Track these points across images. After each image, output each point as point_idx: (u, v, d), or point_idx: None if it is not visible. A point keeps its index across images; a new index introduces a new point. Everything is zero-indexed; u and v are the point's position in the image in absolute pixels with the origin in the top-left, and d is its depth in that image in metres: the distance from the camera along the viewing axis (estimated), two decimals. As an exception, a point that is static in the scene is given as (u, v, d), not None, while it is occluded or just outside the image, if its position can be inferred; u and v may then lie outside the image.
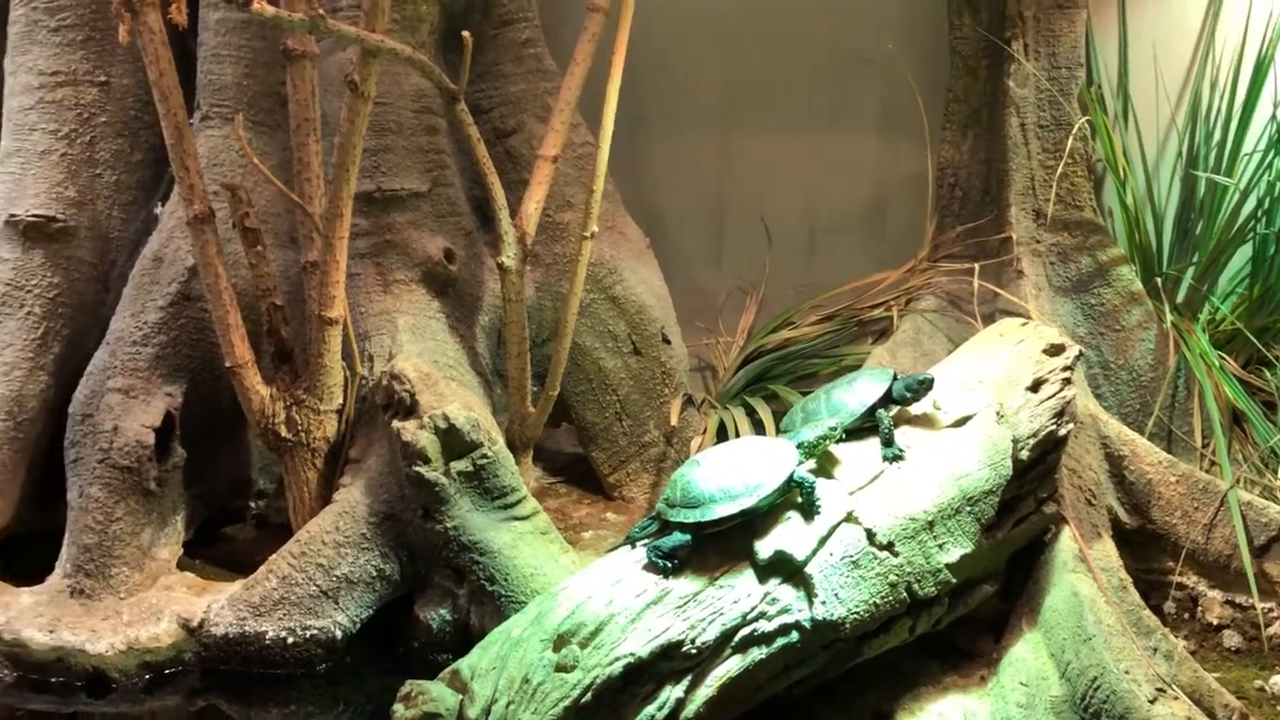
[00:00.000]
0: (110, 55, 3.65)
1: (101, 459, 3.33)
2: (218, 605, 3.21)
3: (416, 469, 3.15)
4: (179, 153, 3.19)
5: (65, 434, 3.43)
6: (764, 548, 2.63)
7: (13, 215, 3.57)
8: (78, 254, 3.63)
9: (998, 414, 2.87)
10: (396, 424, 3.21)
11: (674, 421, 3.77)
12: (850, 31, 4.21)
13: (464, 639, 3.16)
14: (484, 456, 3.19)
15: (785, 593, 2.61)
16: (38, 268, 3.57)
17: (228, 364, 3.30)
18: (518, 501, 3.22)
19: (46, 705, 3.12)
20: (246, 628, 3.16)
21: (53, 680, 3.14)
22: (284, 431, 3.34)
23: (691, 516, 2.64)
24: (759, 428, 3.72)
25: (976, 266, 3.78)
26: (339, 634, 3.19)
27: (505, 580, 3.11)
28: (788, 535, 2.64)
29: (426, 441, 3.15)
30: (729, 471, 2.67)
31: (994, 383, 2.98)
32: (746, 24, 4.27)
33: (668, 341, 3.85)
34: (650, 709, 2.53)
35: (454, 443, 3.17)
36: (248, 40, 3.59)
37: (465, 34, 3.12)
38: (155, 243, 3.56)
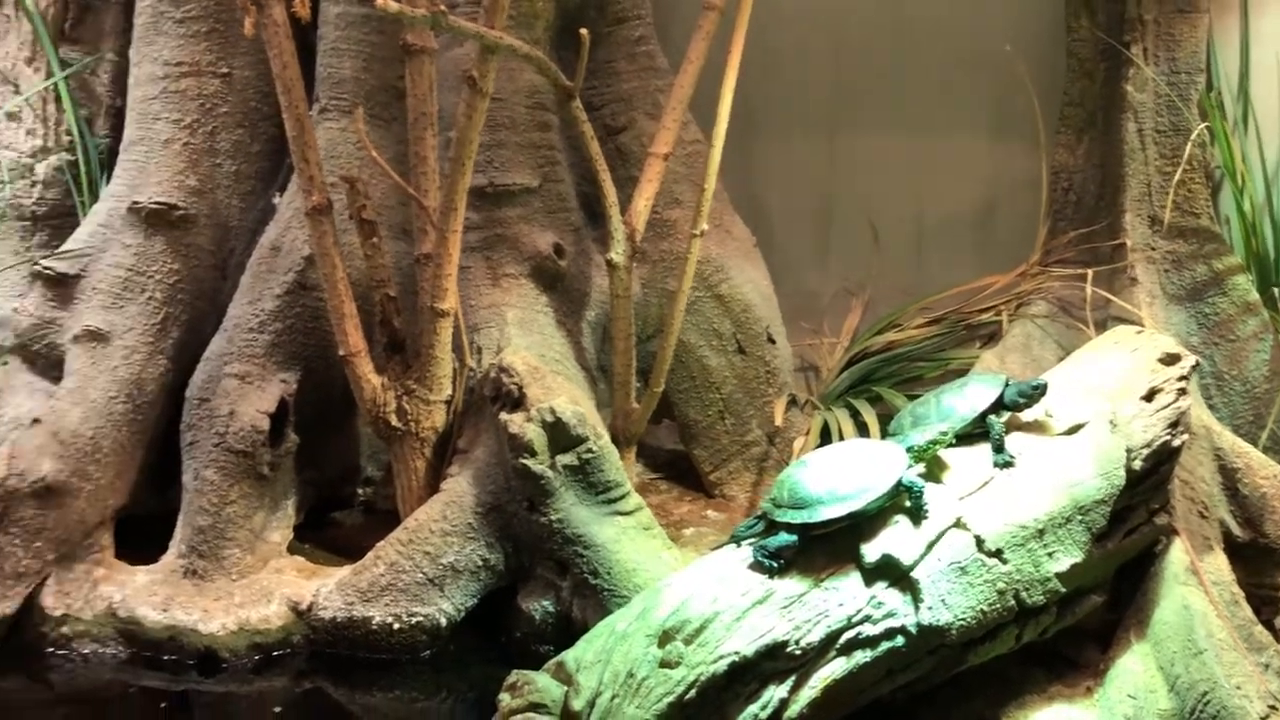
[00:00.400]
0: (233, 47, 3.72)
1: (217, 443, 3.41)
2: (326, 589, 3.27)
3: (523, 461, 3.18)
4: (299, 144, 3.25)
5: (182, 417, 3.51)
6: (871, 551, 2.61)
7: (136, 202, 3.65)
8: (197, 241, 3.71)
9: (1111, 423, 2.83)
10: (504, 416, 3.24)
11: (779, 421, 3.76)
12: (965, 32, 4.17)
13: (565, 631, 3.20)
14: (589, 451, 3.21)
15: (891, 597, 2.60)
16: (159, 254, 3.66)
17: (341, 353, 3.35)
18: (622, 497, 3.24)
19: (159, 682, 3.20)
20: (354, 612, 3.22)
21: (165, 658, 3.22)
22: (394, 420, 3.39)
23: (798, 518, 2.64)
24: (863, 430, 3.71)
25: (1089, 272, 3.72)
26: (444, 621, 3.24)
27: (608, 574, 3.13)
28: (895, 539, 2.62)
29: (533, 434, 3.18)
30: (837, 474, 2.66)
31: (1107, 391, 2.93)
32: (860, 24, 4.26)
33: (773, 341, 3.85)
34: (753, 708, 2.53)
35: (560, 436, 3.20)
36: (366, 35, 3.64)
37: (583, 31, 3.15)
38: (273, 232, 3.63)
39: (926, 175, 4.29)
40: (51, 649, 3.26)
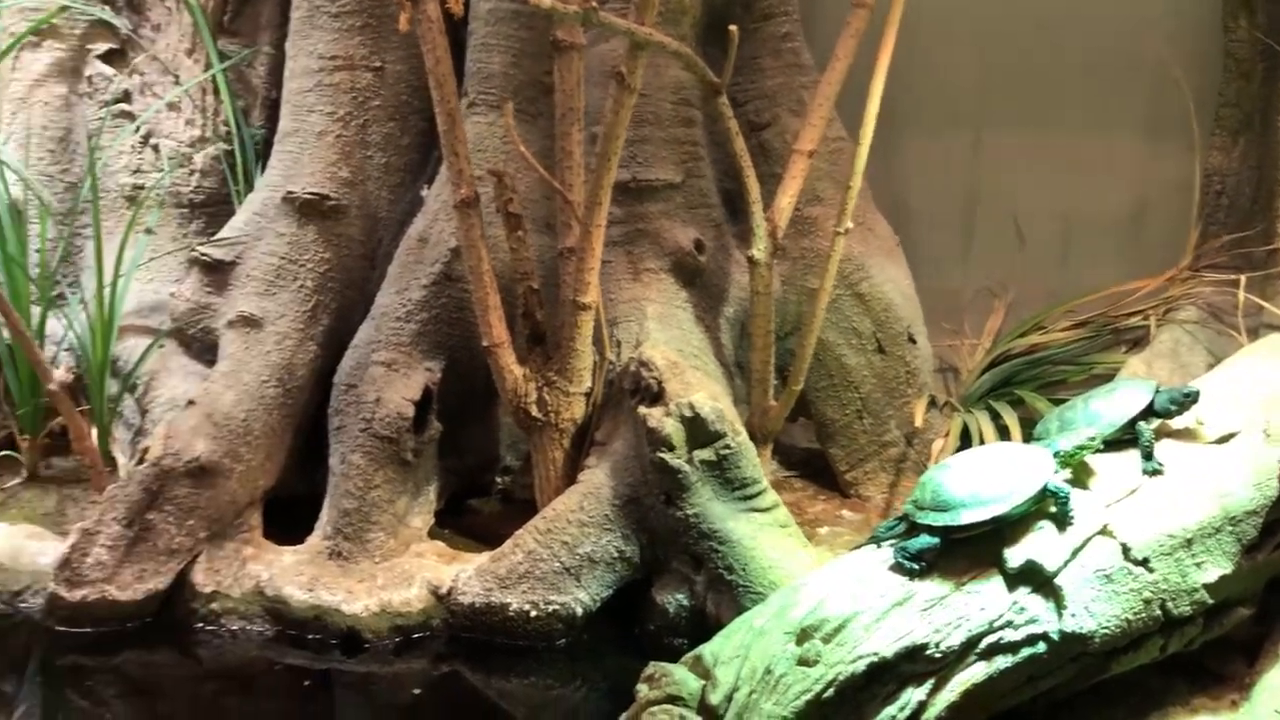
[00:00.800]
0: (385, 42, 3.80)
1: (364, 428, 3.48)
2: (466, 575, 3.33)
3: (660, 455, 3.20)
4: (450, 138, 3.30)
5: (330, 403, 3.60)
6: (1014, 556, 2.58)
7: (290, 192, 3.75)
8: (348, 231, 3.79)
9: (1265, 433, 2.76)
10: (643, 410, 3.27)
11: (918, 422, 3.73)
12: (1117, 30, 4.10)
13: (700, 625, 3.21)
14: (727, 447, 3.22)
15: (1034, 603, 2.56)
16: (310, 243, 3.75)
17: (485, 343, 3.40)
18: (758, 493, 3.25)
19: (302, 660, 3.27)
20: (492, 598, 3.27)
21: (309, 637, 3.30)
22: (534, 411, 3.44)
23: (940, 520, 2.62)
24: (1003, 433, 3.65)
25: (1242, 278, 3.63)
26: (579, 611, 3.27)
27: (744, 570, 3.14)
28: (1039, 545, 2.59)
29: (671, 429, 3.20)
30: (981, 477, 2.63)
31: (1261, 400, 2.86)
32: (1009, 21, 4.20)
33: (913, 341, 3.82)
34: (891, 709, 2.52)
35: (698, 432, 3.21)
36: (515, 30, 3.68)
37: (732, 28, 3.15)
38: (420, 224, 3.70)
39: (1074, 174, 4.21)
40: (201, 624, 3.36)
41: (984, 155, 4.34)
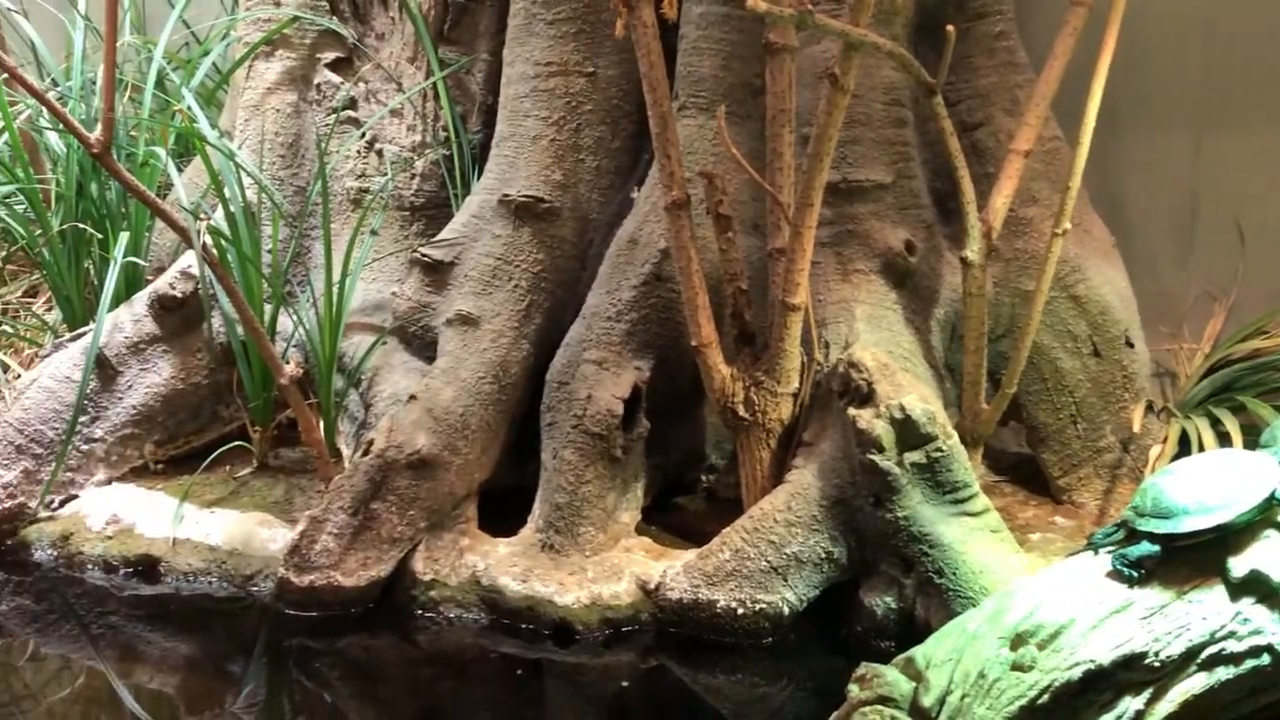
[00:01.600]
0: (598, 47, 3.87)
1: (575, 425, 3.56)
2: (673, 571, 3.37)
3: (870, 457, 3.20)
4: (662, 141, 3.35)
5: (542, 399, 3.69)
6: (1238, 565, 2.51)
7: (506, 195, 3.86)
8: (560, 233, 3.88)
9: None
10: (852, 411, 3.27)
11: (1136, 428, 3.64)
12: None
13: (908, 628, 3.20)
14: (938, 450, 3.20)
15: (1259, 614, 2.48)
16: (525, 244, 3.85)
17: (693, 343, 3.45)
18: (969, 497, 3.22)
19: (515, 649, 3.36)
20: (699, 595, 3.31)
21: (522, 626, 3.39)
22: (742, 411, 3.46)
23: (1161, 527, 2.56)
24: (1224, 440, 3.54)
25: None
26: (786, 610, 3.29)
27: (954, 574, 3.11)
28: (1265, 554, 2.51)
29: (882, 430, 3.20)
30: (1205, 484, 2.56)
31: None
32: (1234, 17, 4.06)
33: (1131, 345, 3.72)
34: (1107, 718, 2.48)
35: (909, 434, 3.20)
36: (726, 34, 3.72)
37: (949, 28, 3.13)
38: (630, 225, 3.77)
39: (1302, 176, 4.06)
40: (419, 611, 3.48)
41: (1205, 156, 4.20)
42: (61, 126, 3.85)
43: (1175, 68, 4.14)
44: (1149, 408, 3.73)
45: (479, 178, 4.06)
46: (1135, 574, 2.56)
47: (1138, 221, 4.18)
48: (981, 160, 3.72)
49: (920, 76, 3.21)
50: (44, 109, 3.70)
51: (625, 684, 3.25)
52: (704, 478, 3.93)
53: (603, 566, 3.46)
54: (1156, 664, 2.48)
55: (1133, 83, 4.08)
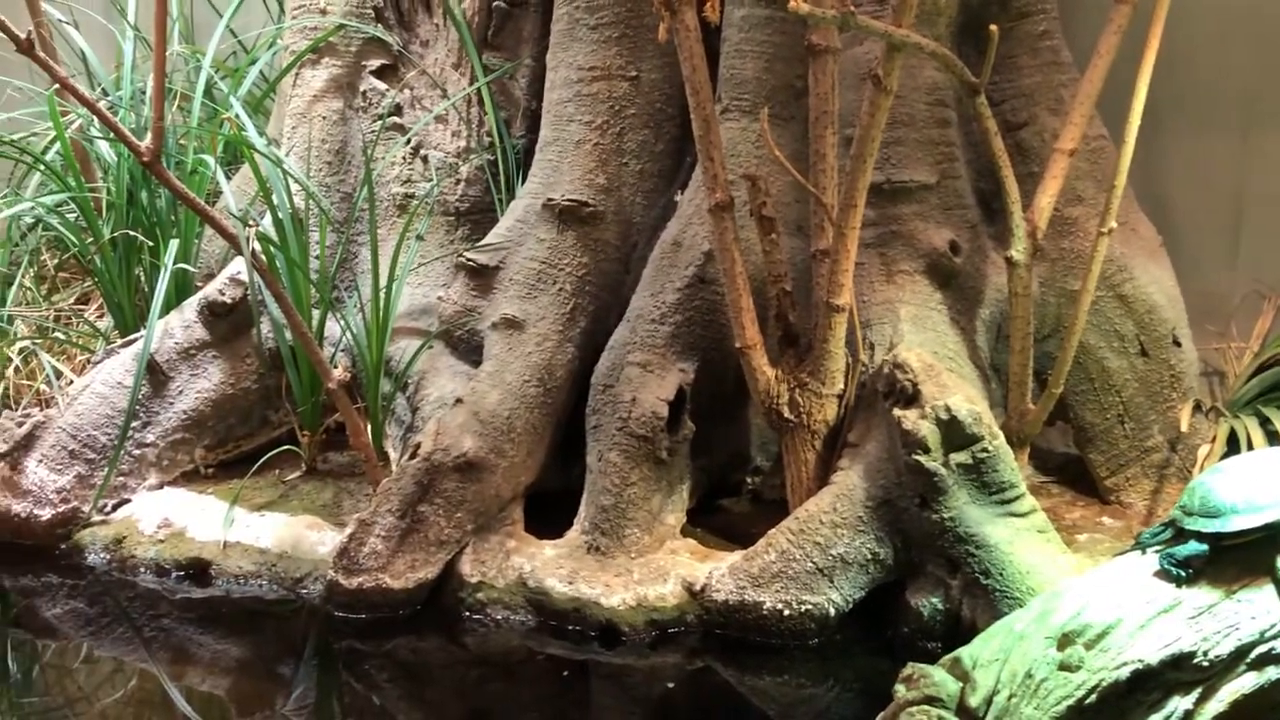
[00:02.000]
0: (641, 51, 3.89)
1: (620, 427, 3.58)
2: (719, 573, 3.38)
3: (916, 458, 3.20)
4: (705, 144, 3.36)
5: (587, 402, 3.70)
6: (1288, 565, 2.50)
7: (550, 199, 3.88)
8: (604, 236, 3.90)
9: None
10: (898, 412, 3.27)
11: (1184, 428, 3.62)
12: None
13: (954, 629, 3.20)
14: (984, 450, 3.19)
15: (1310, 614, 2.48)
16: (569, 248, 3.87)
17: (738, 345, 3.45)
18: (1016, 498, 3.21)
19: (562, 651, 3.37)
20: (745, 596, 3.31)
21: (569, 628, 3.41)
22: (786, 412, 3.47)
23: (1209, 526, 2.55)
24: (1273, 439, 3.52)
25: None
26: (832, 611, 3.29)
27: (1001, 575, 3.11)
28: (1316, 554, 2.50)
29: (927, 431, 3.19)
30: (1254, 482, 2.55)
31: None
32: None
33: (1178, 344, 3.70)
34: (1155, 718, 2.47)
35: (954, 434, 3.19)
36: (768, 36, 3.72)
37: (992, 28, 3.13)
38: (674, 228, 3.78)
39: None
40: (467, 613, 3.50)
41: (1254, 153, 4.17)
42: (112, 135, 3.89)
43: (1221, 65, 4.11)
44: (1197, 407, 3.70)
45: (523, 182, 4.08)
46: (1183, 573, 2.55)
47: (1185, 220, 4.15)
48: (1026, 160, 3.71)
49: (964, 76, 3.20)
50: (95, 118, 3.75)
51: (671, 685, 3.27)
52: (749, 479, 3.93)
53: (648, 568, 3.47)
54: (1205, 663, 2.46)
55: (1179, 80, 4.06)
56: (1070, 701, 2.45)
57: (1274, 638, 2.47)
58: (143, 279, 4.38)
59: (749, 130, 3.71)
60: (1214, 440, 3.64)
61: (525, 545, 3.60)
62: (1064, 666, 2.48)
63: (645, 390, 3.59)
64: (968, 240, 3.70)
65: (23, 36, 3.26)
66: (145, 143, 3.49)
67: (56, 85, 3.49)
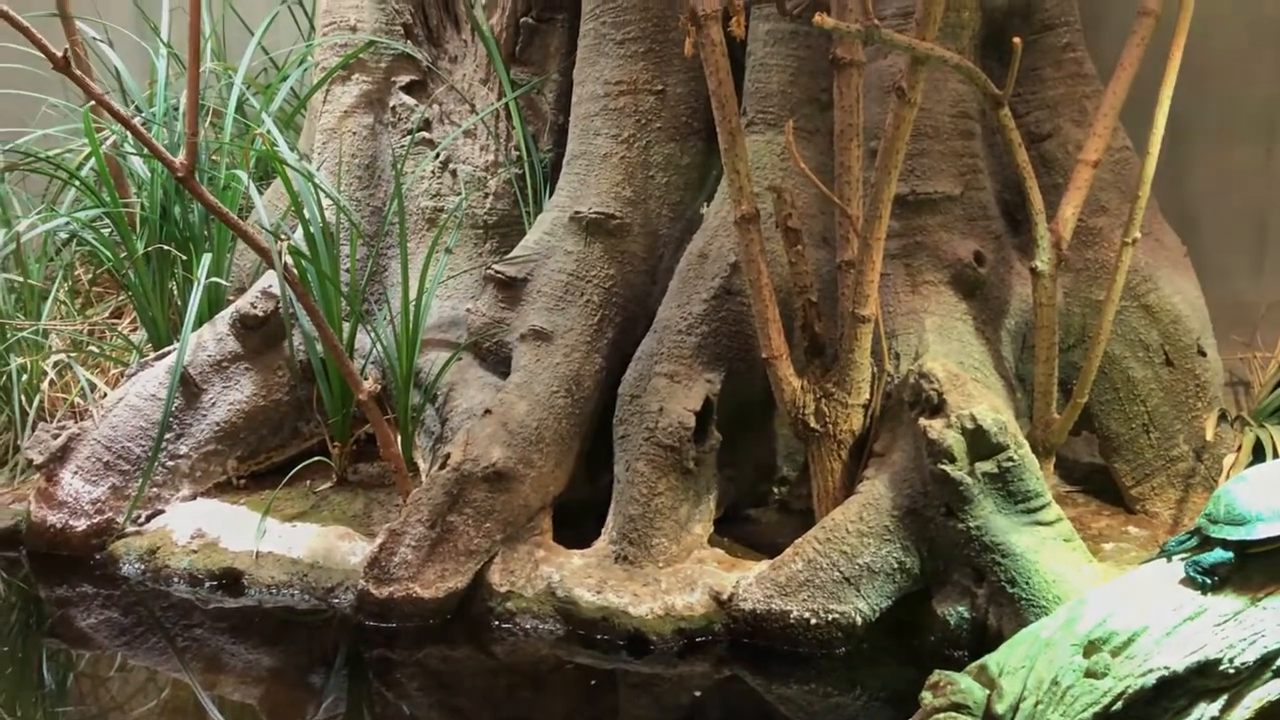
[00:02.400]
0: (667, 65, 3.93)
1: (647, 437, 3.61)
2: (746, 582, 3.40)
3: (941, 467, 3.21)
4: (731, 156, 3.40)
5: (615, 412, 3.74)
6: (1314, 572, 2.51)
7: (577, 212, 3.92)
8: (631, 249, 3.94)
9: None
10: (923, 422, 3.28)
11: (1209, 437, 3.63)
12: None
13: (980, 638, 3.21)
14: (1009, 459, 3.21)
15: (1336, 621, 2.48)
16: (597, 260, 3.91)
17: (764, 355, 3.48)
18: (1041, 507, 3.22)
19: (590, 660, 3.40)
20: (773, 605, 3.33)
21: (597, 637, 3.43)
22: (813, 422, 3.49)
23: (1235, 534, 2.56)
24: (1299, 449, 3.54)
25: None
26: (859, 620, 3.30)
27: (1027, 584, 3.12)
28: (1342, 561, 2.51)
29: (953, 440, 3.21)
30: (1278, 490, 2.56)
31: None
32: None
33: (1203, 354, 3.71)
34: (1181, 725, 2.49)
35: (980, 444, 3.21)
36: (793, 50, 3.76)
37: (1016, 40, 3.14)
38: (700, 240, 3.81)
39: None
40: (496, 622, 3.53)
41: (1277, 164, 4.19)
42: (146, 151, 3.95)
43: (1245, 76, 4.13)
44: (1222, 416, 3.71)
45: (551, 195, 4.13)
46: (1209, 581, 2.56)
47: (1209, 230, 4.17)
48: (1050, 171, 3.73)
49: (987, 89, 3.23)
50: (129, 134, 3.80)
51: (699, 694, 3.28)
52: (775, 489, 3.95)
53: (676, 577, 3.50)
54: (1231, 670, 2.47)
55: (1203, 92, 4.08)
56: (1096, 708, 2.47)
57: (1300, 645, 2.48)
58: (176, 293, 4.44)
59: (774, 143, 3.74)
60: (1239, 449, 3.65)
61: (554, 555, 3.63)
62: (1090, 674, 2.50)
63: (672, 401, 3.62)
64: (992, 251, 3.72)
65: (59, 54, 3.31)
66: (179, 158, 3.54)
67: (92, 102, 3.55)
